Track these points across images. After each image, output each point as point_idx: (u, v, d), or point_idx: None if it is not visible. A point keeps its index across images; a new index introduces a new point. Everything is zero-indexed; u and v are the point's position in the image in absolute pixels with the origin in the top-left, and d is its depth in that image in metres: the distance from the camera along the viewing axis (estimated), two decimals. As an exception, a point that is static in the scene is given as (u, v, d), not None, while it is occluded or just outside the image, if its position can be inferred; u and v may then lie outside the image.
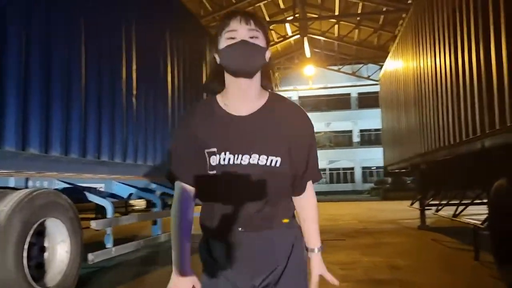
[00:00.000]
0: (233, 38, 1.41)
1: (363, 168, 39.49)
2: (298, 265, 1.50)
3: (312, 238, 1.59)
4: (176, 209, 1.48)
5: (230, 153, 1.41)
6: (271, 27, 22.89)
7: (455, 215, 6.63)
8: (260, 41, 1.44)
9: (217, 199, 1.46)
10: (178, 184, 1.52)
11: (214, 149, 1.43)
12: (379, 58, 26.14)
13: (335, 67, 29.03)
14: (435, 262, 5.92)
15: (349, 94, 38.83)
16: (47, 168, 4.09)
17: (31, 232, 3.61)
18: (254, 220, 1.43)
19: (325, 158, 38.24)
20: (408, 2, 17.55)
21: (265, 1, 19.98)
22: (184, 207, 1.48)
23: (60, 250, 4.01)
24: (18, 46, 3.70)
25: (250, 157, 1.41)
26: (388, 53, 23.07)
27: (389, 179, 28.08)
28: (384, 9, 19.07)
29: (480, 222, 5.58)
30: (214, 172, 1.43)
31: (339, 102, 39.33)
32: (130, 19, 5.54)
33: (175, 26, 6.93)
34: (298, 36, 24.53)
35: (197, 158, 1.45)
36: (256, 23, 1.44)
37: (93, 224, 4.51)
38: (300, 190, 1.56)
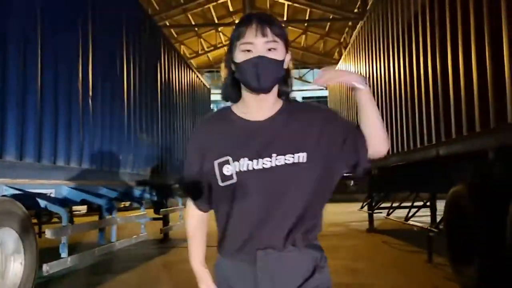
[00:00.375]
0: (249, 51, 1.33)
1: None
2: None
3: None
4: (192, 235, 1.53)
5: (248, 159, 1.33)
6: (219, 29, 22.89)
7: (406, 219, 6.88)
8: (279, 51, 1.36)
9: (233, 213, 1.37)
10: (191, 203, 1.48)
11: (228, 158, 1.35)
12: (324, 63, 26.89)
13: (281, 72, 29.40)
14: (390, 265, 6.11)
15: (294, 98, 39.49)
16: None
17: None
18: (277, 237, 1.34)
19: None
20: (355, 11, 18.19)
21: (214, 3, 19.91)
22: (200, 233, 1.54)
23: (14, 262, 3.73)
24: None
25: (271, 159, 1.33)
26: (333, 59, 23.91)
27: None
28: (331, 16, 19.59)
29: (432, 226, 5.84)
30: (229, 182, 1.35)
31: (284, 106, 39.92)
32: (86, 18, 5.30)
33: (131, 27, 6.71)
34: (246, 39, 24.67)
35: (207, 173, 1.39)
36: (274, 31, 1.35)
37: (48, 233, 4.24)
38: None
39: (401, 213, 8.28)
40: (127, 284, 5.46)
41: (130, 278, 5.75)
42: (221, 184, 1.36)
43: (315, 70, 29.14)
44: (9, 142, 3.85)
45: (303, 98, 39.03)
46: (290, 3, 19.38)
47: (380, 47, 7.65)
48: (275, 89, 1.43)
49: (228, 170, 1.34)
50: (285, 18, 21.02)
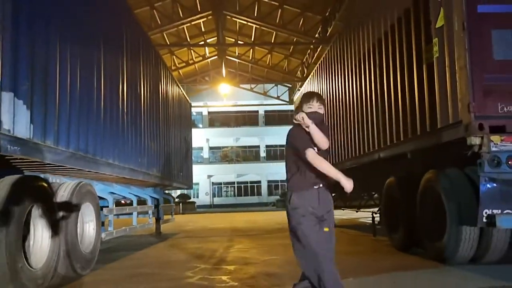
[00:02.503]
0: (310, 108, 3.12)
1: (269, 181, 41.94)
2: None
3: None
4: (324, 161, 2.98)
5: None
6: (192, 47, 24.63)
7: (358, 209, 8.91)
8: (322, 109, 3.15)
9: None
10: (313, 152, 3.01)
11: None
12: (287, 80, 29.19)
13: (248, 86, 31.51)
14: (344, 242, 8.07)
15: (257, 112, 41.49)
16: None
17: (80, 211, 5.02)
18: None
19: (233, 172, 40.32)
20: (316, 36, 20.48)
21: (188, 25, 21.66)
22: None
23: (89, 227, 5.41)
24: None
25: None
26: (296, 77, 26.17)
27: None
28: (295, 39, 21.80)
29: (375, 211, 7.88)
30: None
31: (247, 119, 41.84)
32: (123, 54, 6.97)
33: (145, 58, 8.39)
34: (216, 57, 26.56)
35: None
36: (321, 101, 3.15)
37: (104, 210, 5.94)
38: None
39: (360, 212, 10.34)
40: (149, 255, 7.16)
41: (150, 251, 7.49)
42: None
43: (279, 86, 31.47)
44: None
45: (265, 111, 41.44)
46: (257, 26, 21.43)
47: (339, 70, 9.63)
48: None
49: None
50: (252, 39, 23.11)
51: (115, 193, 7.14)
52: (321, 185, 3.01)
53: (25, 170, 4.49)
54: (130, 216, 7.70)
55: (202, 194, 39.63)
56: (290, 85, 31.61)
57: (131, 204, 8.13)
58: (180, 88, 12.99)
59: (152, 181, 8.83)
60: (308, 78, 14.59)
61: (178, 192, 32.25)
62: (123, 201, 8.84)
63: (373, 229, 7.93)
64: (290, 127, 3.19)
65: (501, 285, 4.16)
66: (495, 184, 4.41)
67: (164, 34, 21.76)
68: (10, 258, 3.58)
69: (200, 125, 40.67)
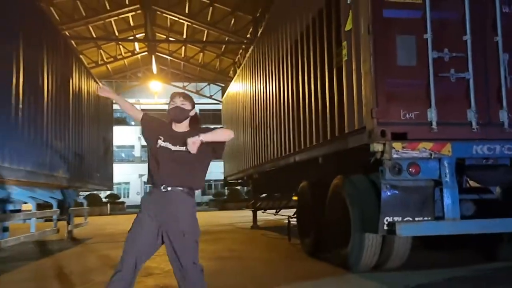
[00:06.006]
0: (173, 103, 2.94)
1: (203, 181, 41.54)
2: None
3: None
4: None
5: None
6: (120, 42, 23.65)
7: (276, 212, 8.78)
8: (187, 105, 2.98)
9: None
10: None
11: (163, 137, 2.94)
12: (220, 80, 28.88)
13: (180, 84, 30.80)
14: (262, 246, 7.93)
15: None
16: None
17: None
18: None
19: (166, 171, 39.44)
20: (247, 36, 20.33)
21: (116, 18, 20.74)
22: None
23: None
24: None
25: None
26: (228, 76, 25.93)
27: (226, 191, 30.78)
28: (226, 39, 21.54)
29: (291, 215, 7.77)
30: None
31: (181, 117, 41.04)
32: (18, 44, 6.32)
33: (51, 49, 7.73)
34: (146, 53, 25.69)
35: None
36: (184, 98, 3.00)
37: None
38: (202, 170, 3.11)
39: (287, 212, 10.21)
40: (48, 265, 6.56)
41: (51, 260, 6.87)
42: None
43: (211, 85, 31.06)
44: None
45: (200, 110, 40.85)
46: (189, 23, 20.94)
47: (261, 71, 9.46)
48: (186, 121, 3.01)
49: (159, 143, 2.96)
50: (184, 37, 22.56)
51: (12, 198, 6.44)
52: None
53: None
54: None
55: (133, 194, 38.33)
56: (223, 85, 31.30)
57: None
58: (98, 84, 12.26)
59: (58, 183, 8.18)
60: (234, 78, 14.41)
61: (108, 192, 30.99)
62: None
63: (288, 233, 7.82)
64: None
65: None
66: (396, 192, 4.36)
67: (90, 27, 20.70)
68: None
69: (132, 123, 39.32)
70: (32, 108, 6.72)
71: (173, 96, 3.04)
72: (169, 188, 2.88)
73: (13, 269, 6.16)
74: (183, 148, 2.85)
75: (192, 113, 3.03)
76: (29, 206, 7.26)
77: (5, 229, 6.76)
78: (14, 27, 6.23)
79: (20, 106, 6.25)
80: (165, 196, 2.88)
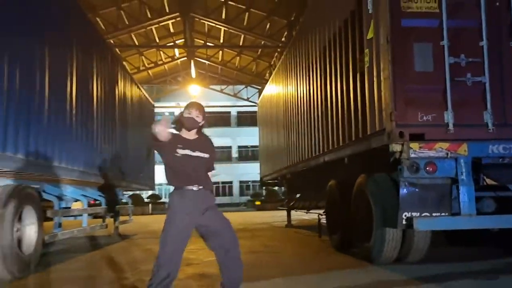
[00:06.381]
0: (189, 114, 3.43)
1: (241, 182, 42.12)
2: None
3: None
4: None
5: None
6: (160, 48, 24.62)
7: (307, 211, 9.16)
8: (199, 119, 3.46)
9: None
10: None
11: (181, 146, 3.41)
12: (256, 82, 29.42)
13: (218, 87, 31.63)
14: (294, 242, 8.35)
15: (229, 113, 41.59)
16: None
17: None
18: None
19: (206, 172, 40.30)
20: (282, 40, 20.77)
21: (156, 25, 21.67)
22: None
23: (30, 230, 5.46)
24: None
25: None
26: (264, 79, 26.42)
27: (264, 192, 31.31)
28: (262, 43, 22.06)
29: (321, 213, 8.14)
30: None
31: (219, 120, 41.86)
32: (72, 56, 7.01)
33: (99, 59, 8.44)
34: (185, 58, 26.60)
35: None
36: (200, 112, 3.47)
37: (48, 213, 6.00)
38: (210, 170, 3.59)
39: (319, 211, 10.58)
40: (99, 256, 7.24)
41: (101, 252, 7.55)
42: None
43: (248, 87, 31.67)
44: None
45: (238, 112, 41.61)
46: (226, 29, 21.60)
47: (293, 75, 9.86)
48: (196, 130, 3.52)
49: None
50: (221, 41, 23.26)
51: (66, 195, 7.15)
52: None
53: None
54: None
55: (173, 195, 39.40)
56: (260, 87, 31.83)
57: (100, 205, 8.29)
58: (141, 90, 13.04)
59: (106, 183, 8.88)
60: (268, 81, 14.84)
61: (150, 192, 32.17)
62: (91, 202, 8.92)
63: (319, 230, 8.19)
64: None
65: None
66: (414, 189, 4.69)
67: (132, 35, 21.73)
68: None
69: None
70: (84, 113, 7.41)
71: (191, 106, 3.48)
72: (198, 187, 3.41)
73: (68, 259, 6.85)
74: (200, 154, 3.41)
75: (201, 124, 3.51)
76: (77, 205, 7.96)
77: (59, 225, 7.49)
78: (68, 39, 6.91)
79: (74, 112, 6.93)
80: (197, 194, 3.40)
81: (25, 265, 5.19)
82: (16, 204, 5.00)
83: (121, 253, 7.53)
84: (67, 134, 6.72)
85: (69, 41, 6.92)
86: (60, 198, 7.04)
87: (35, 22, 5.67)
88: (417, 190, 4.69)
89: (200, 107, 3.52)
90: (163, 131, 3.31)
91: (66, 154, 6.56)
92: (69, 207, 8.09)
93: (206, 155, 3.45)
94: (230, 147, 42.46)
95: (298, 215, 12.34)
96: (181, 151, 3.37)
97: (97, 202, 8.87)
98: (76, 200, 7.97)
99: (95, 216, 9.05)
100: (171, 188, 3.47)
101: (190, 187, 3.39)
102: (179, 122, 3.48)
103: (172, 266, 3.30)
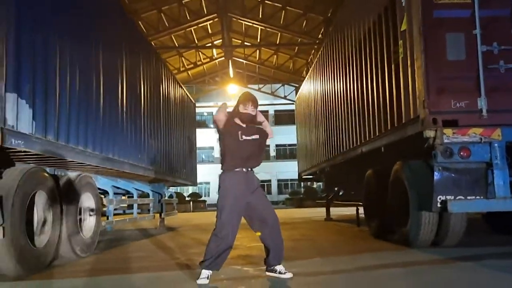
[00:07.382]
0: (246, 109, 3.83)
1: (279, 180, 42.34)
2: None
3: None
4: None
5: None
6: (199, 49, 25.27)
7: (346, 203, 9.39)
8: (254, 112, 3.90)
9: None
10: None
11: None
12: (294, 80, 29.64)
13: (256, 86, 32.03)
14: (332, 232, 8.59)
15: (267, 111, 41.92)
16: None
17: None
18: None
19: (244, 171, 40.82)
20: (319, 37, 20.92)
21: (195, 27, 22.29)
22: None
23: (90, 216, 6.00)
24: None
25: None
26: (302, 76, 26.62)
27: (302, 190, 31.46)
28: (299, 40, 22.28)
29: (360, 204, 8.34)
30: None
31: (257, 119, 42.34)
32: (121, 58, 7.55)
33: (145, 60, 8.98)
34: (223, 58, 27.16)
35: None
36: (255, 106, 3.88)
37: (104, 200, 6.54)
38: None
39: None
40: (149, 243, 7.75)
41: (150, 240, 8.08)
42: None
43: (286, 85, 31.94)
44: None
45: (275, 111, 41.91)
46: (262, 27, 21.96)
47: (330, 70, 10.10)
48: None
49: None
50: (258, 40, 23.65)
51: (119, 187, 7.71)
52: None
53: (31, 163, 5.09)
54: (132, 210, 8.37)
55: (213, 193, 40.23)
56: (297, 85, 32.00)
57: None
58: (183, 89, 13.58)
59: (153, 176, 9.42)
60: (306, 78, 15.08)
61: (190, 190, 33.02)
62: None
63: (357, 219, 8.40)
64: None
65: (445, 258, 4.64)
66: (448, 173, 4.87)
67: (172, 36, 22.44)
68: (14, 237, 4.17)
69: (211, 125, 41.35)
70: (132, 111, 7.95)
71: (247, 100, 3.94)
72: (249, 169, 3.92)
73: (122, 245, 7.39)
74: (253, 137, 3.92)
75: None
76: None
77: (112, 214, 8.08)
78: (119, 43, 7.46)
79: (124, 109, 7.46)
80: (247, 175, 3.90)
81: (86, 246, 5.72)
82: (78, 191, 5.53)
83: (170, 241, 8.01)
84: (118, 131, 7.24)
85: (119, 45, 7.46)
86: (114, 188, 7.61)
87: (92, 29, 6.22)
88: (451, 174, 4.87)
89: (254, 101, 3.97)
90: (222, 117, 3.90)
91: (118, 148, 7.09)
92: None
93: (258, 136, 3.97)
94: (268, 146, 42.82)
95: (338, 210, 12.55)
96: (244, 137, 3.88)
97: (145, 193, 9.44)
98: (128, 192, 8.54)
99: (141, 210, 9.63)
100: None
101: (241, 169, 3.81)
102: (237, 115, 3.92)
103: (229, 236, 3.76)
